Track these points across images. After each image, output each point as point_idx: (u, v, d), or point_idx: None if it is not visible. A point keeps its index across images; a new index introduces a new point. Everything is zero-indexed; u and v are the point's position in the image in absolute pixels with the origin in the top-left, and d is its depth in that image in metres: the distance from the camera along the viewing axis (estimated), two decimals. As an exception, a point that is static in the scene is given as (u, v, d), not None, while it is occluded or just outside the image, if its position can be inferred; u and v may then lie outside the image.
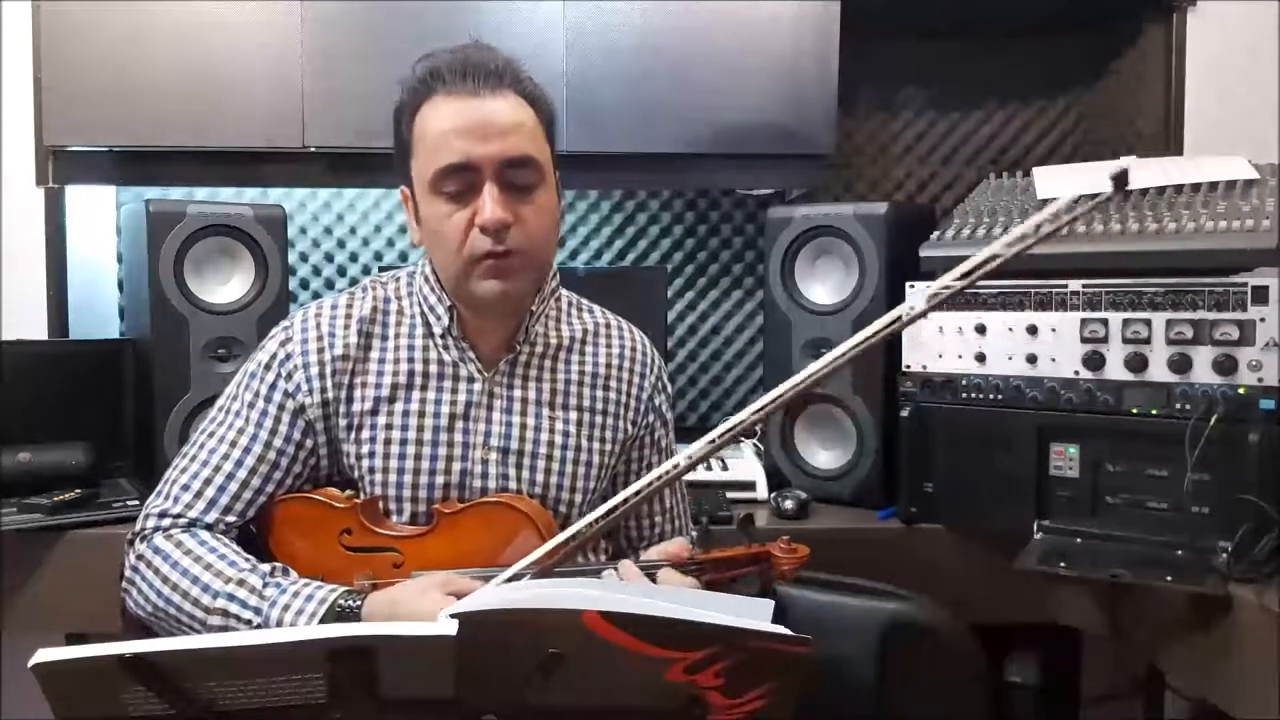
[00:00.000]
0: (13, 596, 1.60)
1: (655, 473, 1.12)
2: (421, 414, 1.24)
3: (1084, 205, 1.01)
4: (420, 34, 1.92)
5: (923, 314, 1.05)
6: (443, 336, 1.26)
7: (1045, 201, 1.69)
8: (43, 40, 1.91)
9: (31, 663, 0.78)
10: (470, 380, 1.26)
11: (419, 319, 1.27)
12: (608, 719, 0.92)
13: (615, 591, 0.91)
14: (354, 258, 2.34)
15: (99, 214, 2.21)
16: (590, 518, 1.10)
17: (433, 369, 1.25)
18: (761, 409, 1.06)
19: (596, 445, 1.31)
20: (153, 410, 1.77)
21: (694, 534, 1.43)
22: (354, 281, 2.31)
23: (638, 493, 1.10)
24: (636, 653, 0.86)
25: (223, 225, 1.79)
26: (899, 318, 1.03)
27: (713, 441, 1.04)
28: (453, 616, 0.83)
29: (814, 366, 1.04)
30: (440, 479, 1.24)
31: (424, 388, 1.25)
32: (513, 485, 1.26)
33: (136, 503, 1.64)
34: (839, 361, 1.02)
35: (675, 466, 1.09)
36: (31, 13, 1.93)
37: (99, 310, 2.19)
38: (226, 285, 1.81)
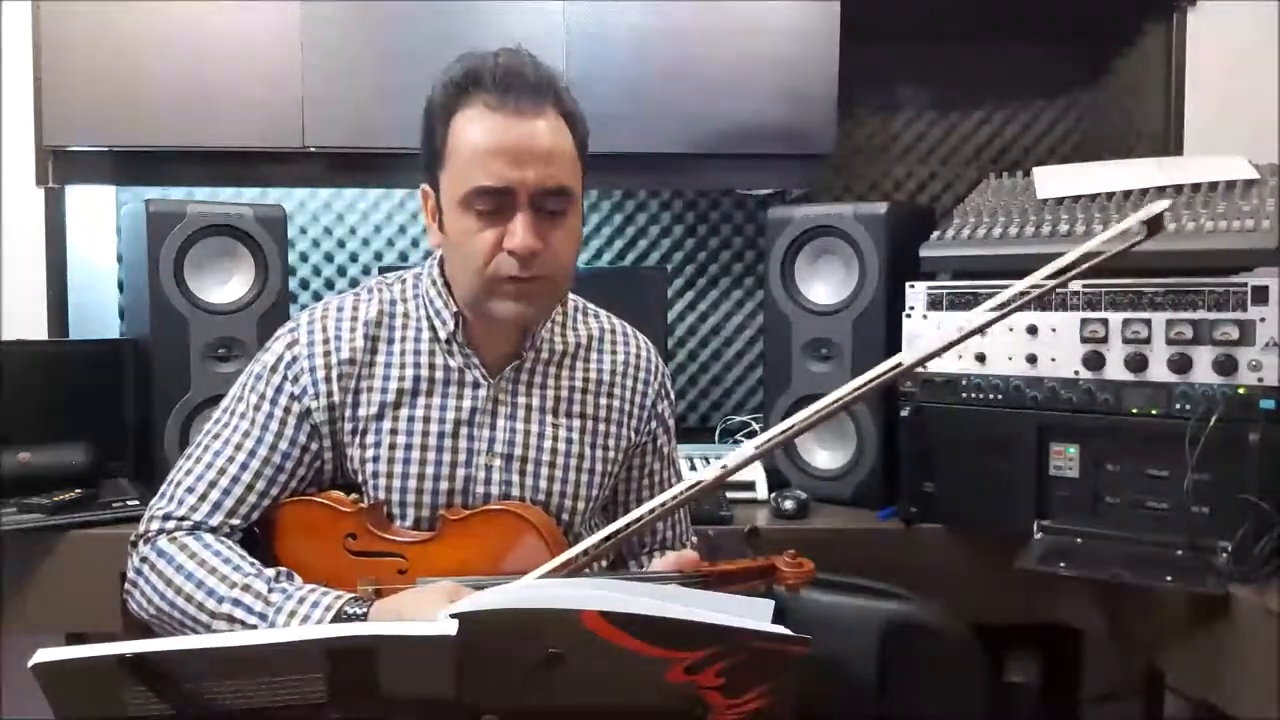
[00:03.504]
0: (13, 596, 1.60)
1: (669, 493, 1.11)
2: (426, 420, 1.23)
3: (1114, 245, 0.99)
4: (419, 34, 1.92)
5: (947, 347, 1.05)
6: (447, 342, 1.25)
7: (1045, 202, 1.69)
8: (43, 40, 1.92)
9: (31, 663, 0.78)
10: (475, 386, 1.25)
11: (424, 323, 1.26)
12: (608, 719, 0.92)
13: (615, 591, 0.91)
14: (354, 258, 2.35)
15: (99, 214, 2.21)
16: (601, 535, 1.10)
17: (438, 375, 1.25)
18: (808, 419, 1.05)
19: (599, 453, 1.30)
20: (153, 410, 1.77)
21: (694, 540, 1.42)
22: (354, 282, 2.32)
23: (651, 510, 1.10)
24: (636, 653, 0.86)
25: (223, 225, 1.79)
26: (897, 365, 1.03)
27: (725, 467, 1.05)
28: (453, 616, 0.83)
29: (845, 389, 1.04)
30: (444, 485, 1.23)
31: (429, 394, 1.24)
32: (515, 492, 1.25)
33: (136, 503, 1.65)
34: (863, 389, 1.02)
35: (690, 487, 1.08)
36: (31, 13, 1.93)
37: (99, 310, 2.19)
38: (226, 285, 1.81)
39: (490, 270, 1.16)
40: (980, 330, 1.08)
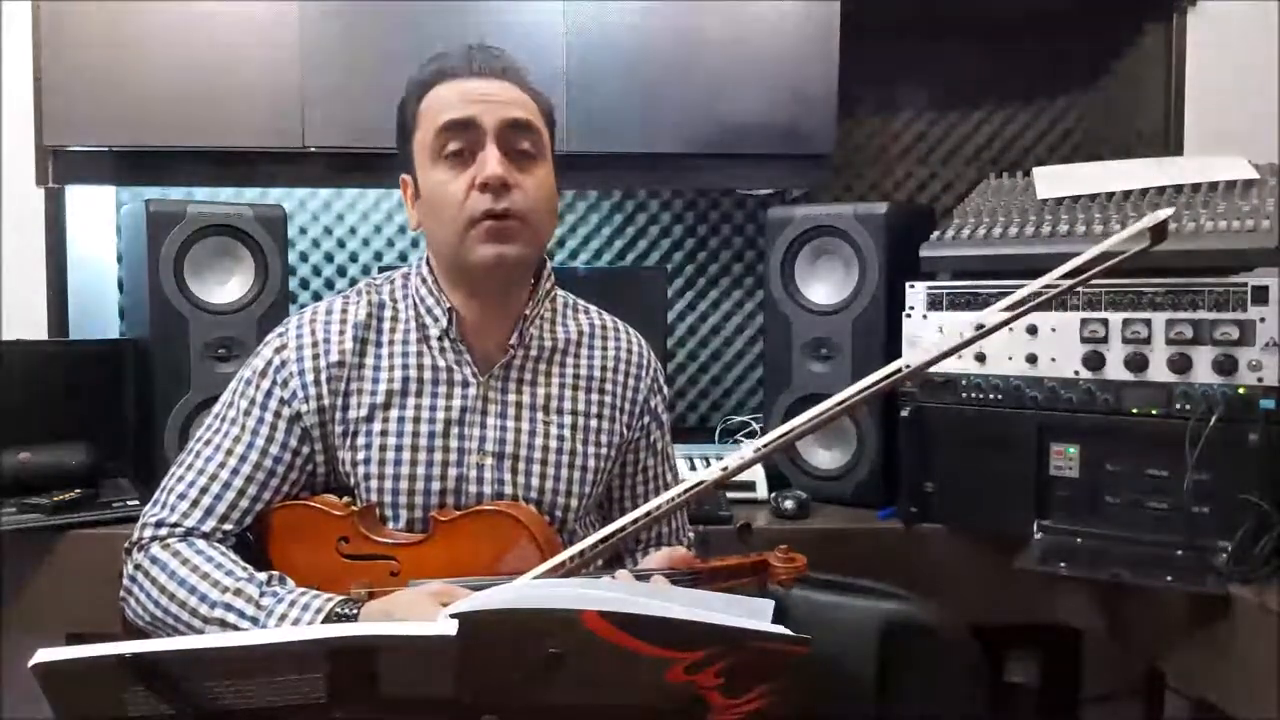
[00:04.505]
0: (13, 596, 1.60)
1: (665, 496, 1.11)
2: (417, 420, 1.23)
3: (1118, 257, 1.00)
4: (419, 34, 1.92)
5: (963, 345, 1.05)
6: (440, 339, 1.25)
7: (1045, 202, 1.69)
8: (43, 40, 1.91)
9: (31, 663, 0.78)
10: (465, 385, 1.25)
11: (413, 323, 1.26)
12: (608, 719, 0.92)
13: (615, 591, 0.91)
14: (354, 258, 2.35)
15: (99, 214, 2.21)
16: (598, 536, 1.09)
17: (427, 374, 1.25)
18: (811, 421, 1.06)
19: (592, 449, 1.30)
20: (153, 410, 1.77)
21: (691, 537, 1.42)
22: (354, 282, 2.32)
23: (648, 514, 1.10)
24: (636, 653, 0.86)
25: (223, 225, 1.79)
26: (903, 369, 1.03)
27: (725, 469, 1.05)
28: (453, 616, 0.83)
29: (846, 392, 1.04)
30: (436, 485, 1.23)
31: (419, 394, 1.24)
32: (508, 490, 1.25)
33: (136, 503, 1.64)
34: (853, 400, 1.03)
35: (689, 489, 1.09)
36: (31, 13, 1.93)
37: (99, 310, 2.19)
38: (226, 285, 1.81)
39: (466, 212, 1.18)
40: (969, 343, 1.08)
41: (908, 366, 1.03)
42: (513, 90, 1.22)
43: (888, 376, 1.03)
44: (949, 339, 1.07)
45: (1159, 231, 0.96)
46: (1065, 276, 1.00)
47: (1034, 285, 1.01)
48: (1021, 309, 1.02)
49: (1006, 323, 1.05)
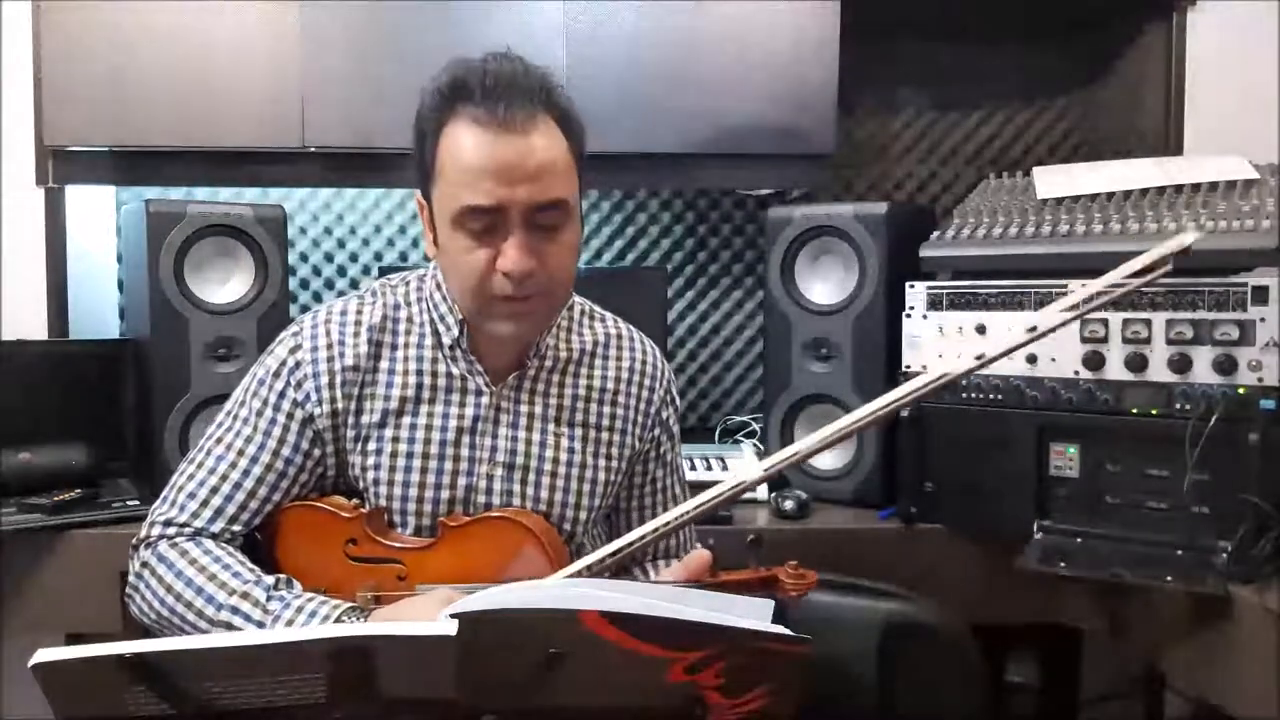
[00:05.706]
0: (13, 596, 1.60)
1: (674, 512, 1.10)
2: (429, 428, 1.22)
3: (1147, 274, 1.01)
4: (419, 34, 1.92)
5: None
6: (451, 349, 1.24)
7: (1045, 202, 1.69)
8: (43, 40, 1.91)
9: (31, 663, 0.78)
10: (478, 394, 1.24)
11: (428, 328, 1.25)
12: (608, 719, 0.92)
13: (615, 591, 0.91)
14: (354, 258, 2.35)
15: (99, 214, 2.21)
16: (607, 550, 1.09)
17: (441, 382, 1.24)
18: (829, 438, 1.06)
19: (602, 462, 1.29)
20: (153, 410, 1.77)
21: (697, 546, 1.42)
22: (354, 282, 2.32)
23: (655, 530, 1.09)
24: (636, 653, 0.86)
25: (223, 225, 1.79)
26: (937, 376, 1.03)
27: (740, 483, 1.05)
28: (453, 616, 0.83)
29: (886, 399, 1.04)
30: (445, 493, 1.22)
31: (432, 401, 1.23)
32: (517, 501, 1.24)
33: (137, 503, 1.65)
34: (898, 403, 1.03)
35: (699, 505, 1.08)
36: (31, 13, 1.93)
37: (99, 310, 2.19)
38: (226, 285, 1.81)
39: (486, 290, 1.14)
40: (990, 361, 1.08)
41: (977, 367, 1.04)
42: (543, 141, 1.11)
43: (930, 382, 1.02)
44: (960, 364, 1.07)
45: (1182, 256, 0.98)
46: (1084, 301, 1.01)
47: (1044, 313, 1.02)
48: (1021, 342, 1.03)
49: (1014, 350, 1.06)
